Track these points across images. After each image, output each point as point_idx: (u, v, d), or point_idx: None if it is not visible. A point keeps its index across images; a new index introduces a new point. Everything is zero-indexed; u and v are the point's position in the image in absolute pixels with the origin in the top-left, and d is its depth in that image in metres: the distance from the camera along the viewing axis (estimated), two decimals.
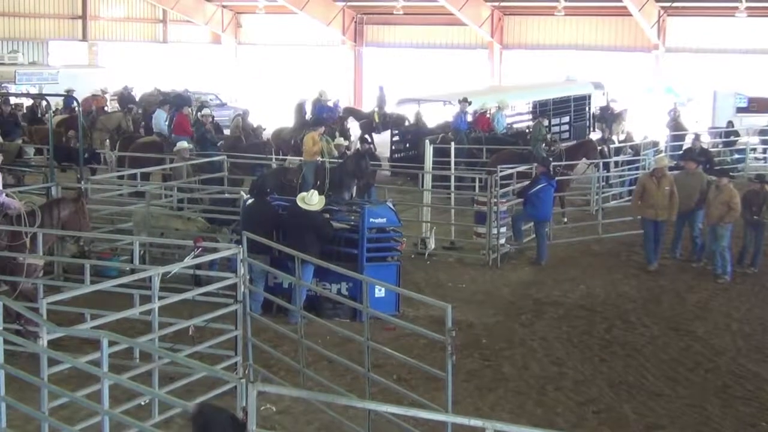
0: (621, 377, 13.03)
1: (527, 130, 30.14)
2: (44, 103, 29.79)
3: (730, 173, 20.88)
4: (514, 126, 32.15)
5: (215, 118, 29.72)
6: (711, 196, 18.48)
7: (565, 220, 22.58)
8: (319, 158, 22.04)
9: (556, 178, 20.62)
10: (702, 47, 42.15)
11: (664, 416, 11.75)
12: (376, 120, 33.32)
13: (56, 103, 32.40)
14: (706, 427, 11.50)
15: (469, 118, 29.39)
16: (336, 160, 21.85)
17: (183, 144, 22.17)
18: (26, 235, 13.30)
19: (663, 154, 22.54)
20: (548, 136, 27.26)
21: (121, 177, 21.19)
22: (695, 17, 42.96)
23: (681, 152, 25.39)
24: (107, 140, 28.13)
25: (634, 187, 25.19)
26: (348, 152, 23.72)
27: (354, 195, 20.58)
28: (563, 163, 23.22)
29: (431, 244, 19.76)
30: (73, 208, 13.87)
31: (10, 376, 9.09)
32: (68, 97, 30.79)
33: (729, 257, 18.32)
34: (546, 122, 28.96)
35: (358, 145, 24.29)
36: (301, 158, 22.61)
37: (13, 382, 9.33)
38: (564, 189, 22.78)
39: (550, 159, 21.78)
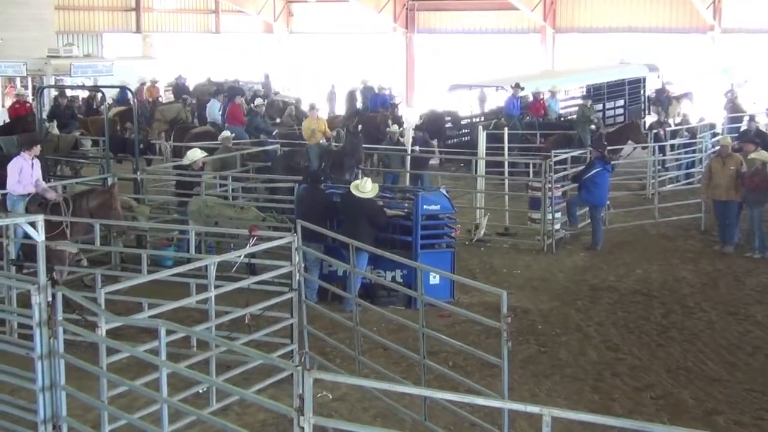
0: (679, 363, 12.90)
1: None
2: (99, 95, 30.14)
3: None
4: (568, 110, 31.93)
5: None
6: None
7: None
8: (323, 140, 22.28)
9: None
10: (759, 27, 41.37)
11: (723, 402, 11.62)
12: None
13: (111, 95, 32.74)
14: (766, 413, 11.34)
15: (524, 103, 29.28)
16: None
17: (226, 133, 22.40)
18: (63, 224, 13.65)
19: (726, 135, 22.15)
20: (593, 117, 27.03)
21: (176, 167, 21.35)
22: None
23: (737, 134, 25.03)
24: (164, 131, 28.43)
25: (690, 171, 25.07)
26: (401, 139, 23.73)
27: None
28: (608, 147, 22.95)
29: (482, 231, 19.73)
30: (101, 199, 14.12)
31: (70, 365, 9.21)
32: (122, 88, 31.13)
33: None
34: (589, 104, 28.74)
35: (413, 134, 24.20)
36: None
37: (73, 372, 9.44)
38: None
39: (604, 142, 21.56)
